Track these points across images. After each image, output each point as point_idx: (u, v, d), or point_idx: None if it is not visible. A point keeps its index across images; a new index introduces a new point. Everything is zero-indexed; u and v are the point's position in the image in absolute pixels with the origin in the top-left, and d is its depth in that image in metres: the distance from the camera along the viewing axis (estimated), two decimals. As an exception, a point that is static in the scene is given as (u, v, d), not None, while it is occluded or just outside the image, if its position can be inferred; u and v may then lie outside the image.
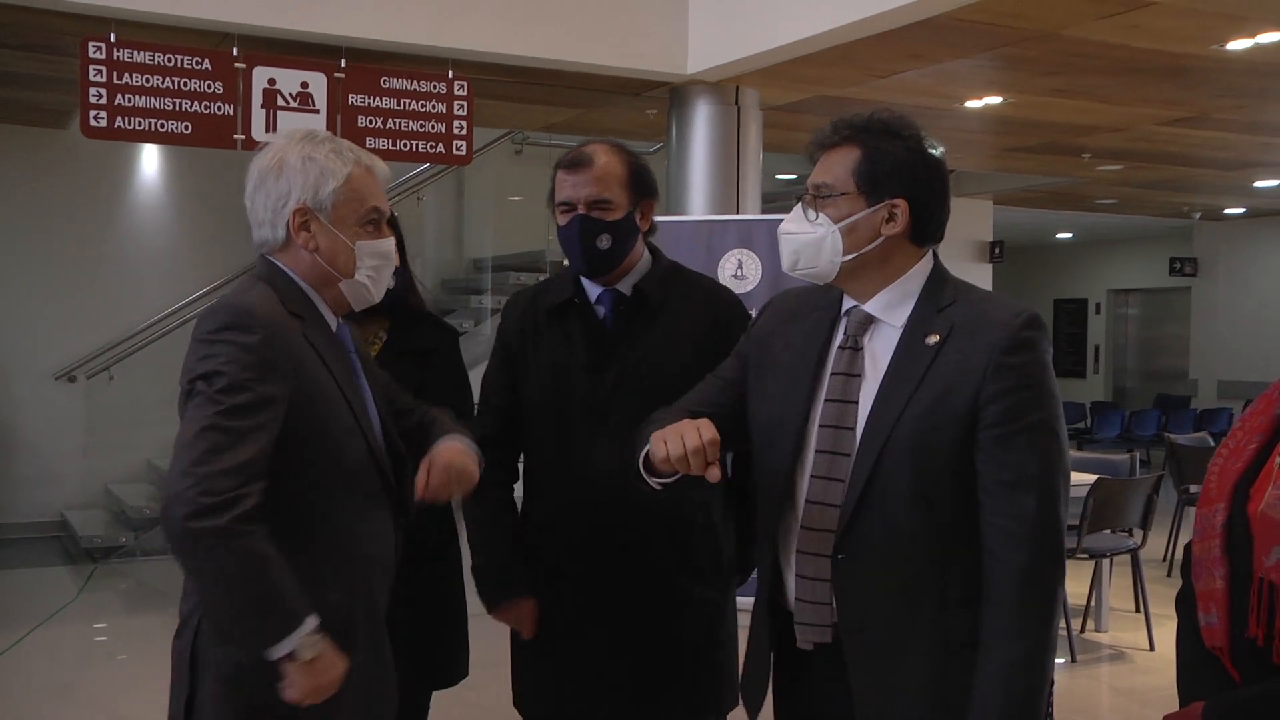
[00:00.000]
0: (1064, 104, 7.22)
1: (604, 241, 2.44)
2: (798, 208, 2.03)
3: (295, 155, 2.03)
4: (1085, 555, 5.70)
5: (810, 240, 1.99)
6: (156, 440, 8.03)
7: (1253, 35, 5.56)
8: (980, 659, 1.86)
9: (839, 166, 1.98)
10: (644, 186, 2.52)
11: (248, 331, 1.88)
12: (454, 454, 2.16)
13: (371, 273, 2.09)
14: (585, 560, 2.47)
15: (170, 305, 9.00)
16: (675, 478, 1.96)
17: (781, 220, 2.08)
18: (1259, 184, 11.11)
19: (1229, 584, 1.62)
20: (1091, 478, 5.67)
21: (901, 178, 1.96)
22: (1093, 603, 6.18)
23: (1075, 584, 5.99)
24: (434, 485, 2.12)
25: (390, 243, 2.13)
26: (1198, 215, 13.94)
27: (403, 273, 2.67)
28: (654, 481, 2.01)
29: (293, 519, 1.94)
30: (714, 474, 1.88)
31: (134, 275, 9.06)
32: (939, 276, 2.01)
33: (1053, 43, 5.65)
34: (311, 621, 1.84)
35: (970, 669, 1.87)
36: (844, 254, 1.97)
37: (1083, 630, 6.10)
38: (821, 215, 1.98)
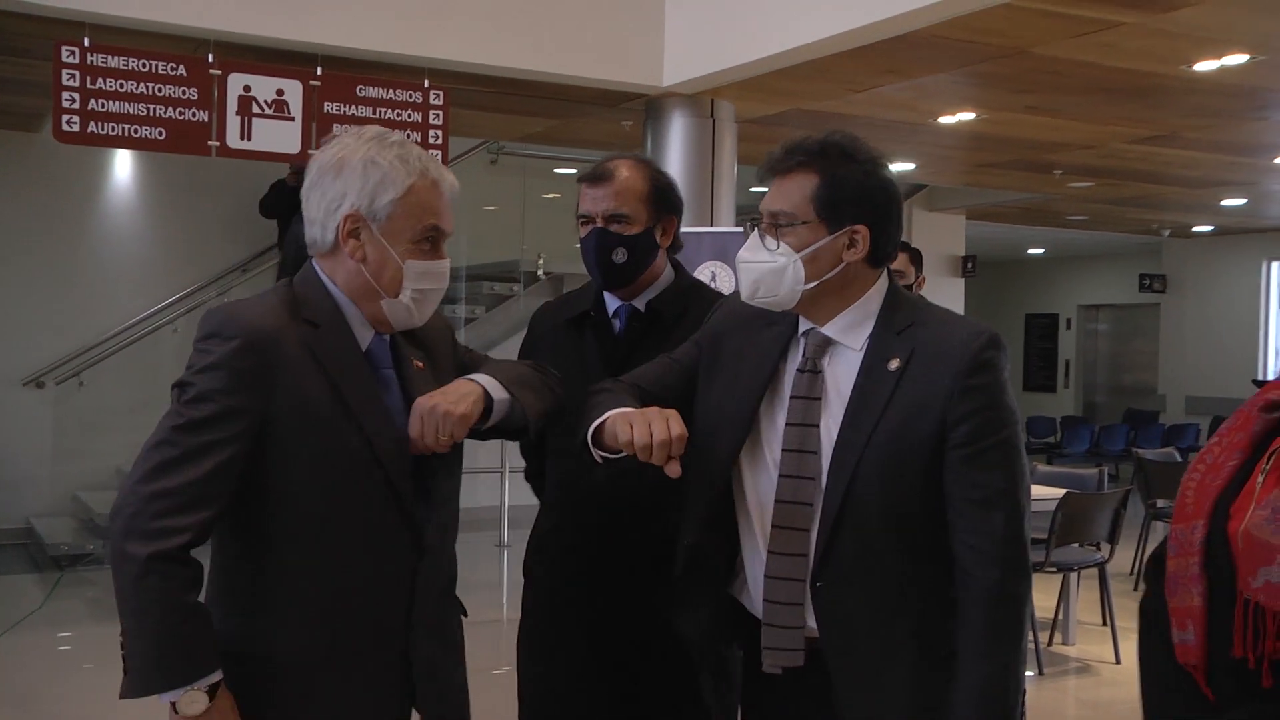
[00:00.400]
0: (1036, 120, 7.29)
1: (619, 255, 2.45)
2: (754, 235, 2.00)
3: (358, 157, 1.91)
4: (1053, 569, 5.74)
5: (771, 269, 1.96)
6: (125, 447, 7.94)
7: (1219, 57, 5.65)
8: (957, 674, 1.89)
9: (796, 193, 1.96)
10: (666, 203, 2.52)
11: (225, 340, 1.82)
12: (430, 397, 1.94)
13: (417, 295, 1.95)
14: (584, 568, 2.49)
15: (141, 311, 8.94)
16: (620, 455, 1.93)
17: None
18: (1226, 202, 11.24)
19: (1207, 602, 1.61)
20: (1060, 492, 5.70)
21: (861, 204, 1.95)
22: (1060, 616, 6.22)
23: (1043, 597, 6.03)
24: (413, 436, 1.93)
25: (444, 265, 1.98)
26: (1167, 232, 14.08)
27: None
28: (598, 454, 1.97)
29: (261, 537, 1.88)
30: (674, 469, 1.86)
31: (105, 281, 8.98)
32: (894, 296, 2.01)
33: (1026, 60, 5.71)
34: (208, 679, 1.77)
35: (953, 676, 1.90)
36: (805, 282, 1.95)
37: (1050, 643, 6.14)
38: (782, 244, 1.95)
